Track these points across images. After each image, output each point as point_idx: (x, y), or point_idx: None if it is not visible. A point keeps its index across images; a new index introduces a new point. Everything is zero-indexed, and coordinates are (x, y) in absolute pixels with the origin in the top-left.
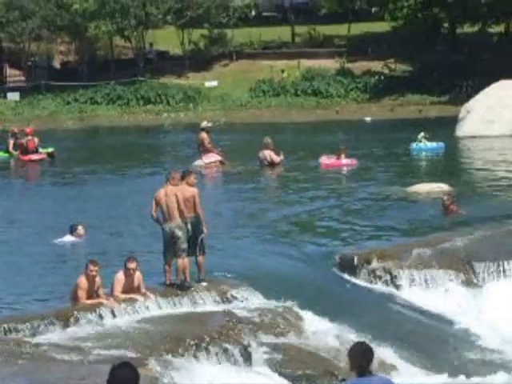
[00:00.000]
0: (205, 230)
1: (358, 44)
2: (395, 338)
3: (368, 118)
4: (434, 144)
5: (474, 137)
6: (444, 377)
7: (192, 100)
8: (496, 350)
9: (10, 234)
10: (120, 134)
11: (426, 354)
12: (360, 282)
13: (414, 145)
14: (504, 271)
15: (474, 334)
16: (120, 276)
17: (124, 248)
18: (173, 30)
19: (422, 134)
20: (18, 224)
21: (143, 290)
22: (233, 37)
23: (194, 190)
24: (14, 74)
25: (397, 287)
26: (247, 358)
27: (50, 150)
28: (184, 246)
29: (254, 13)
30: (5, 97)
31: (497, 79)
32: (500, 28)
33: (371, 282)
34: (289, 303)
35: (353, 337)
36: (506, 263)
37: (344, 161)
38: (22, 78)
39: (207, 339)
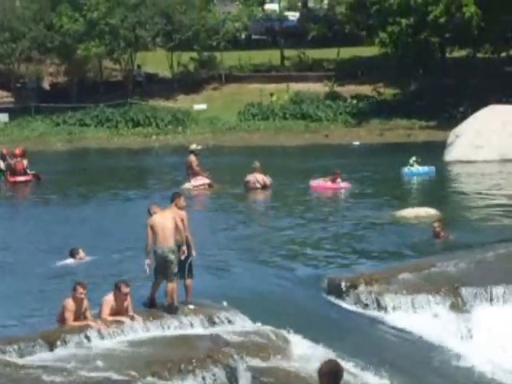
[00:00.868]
0: (193, 253)
1: (347, 68)
2: (382, 362)
3: (356, 142)
4: (425, 168)
5: (463, 161)
6: None
7: (181, 123)
8: (484, 376)
9: (3, 256)
10: (109, 156)
11: (412, 378)
12: (347, 306)
13: (405, 169)
14: (492, 296)
15: (461, 358)
16: (109, 298)
17: (120, 270)
18: (162, 53)
19: (414, 158)
20: (11, 246)
21: (131, 313)
22: (222, 60)
23: (183, 213)
24: (2, 96)
25: (384, 311)
26: (234, 381)
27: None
28: (176, 270)
29: (243, 36)
30: None
31: (485, 104)
32: (488, 52)
33: (358, 306)
34: (276, 326)
35: (339, 361)
36: (493, 288)
37: (342, 184)
38: (11, 100)
39: (194, 362)
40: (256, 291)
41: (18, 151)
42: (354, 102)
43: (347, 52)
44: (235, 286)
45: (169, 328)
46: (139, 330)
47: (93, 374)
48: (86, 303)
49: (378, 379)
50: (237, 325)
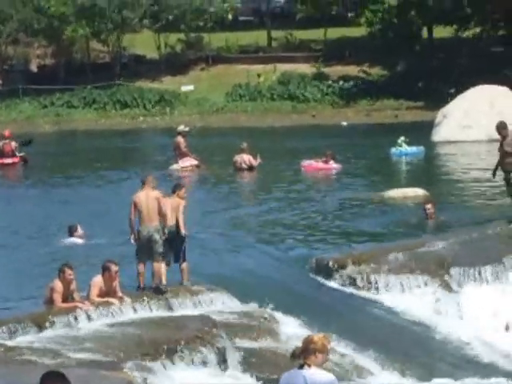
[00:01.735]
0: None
1: (334, 48)
2: (371, 342)
3: (344, 123)
4: (414, 148)
5: (451, 142)
6: (420, 381)
7: (168, 104)
8: (472, 354)
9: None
10: (97, 138)
11: (402, 358)
12: (336, 285)
13: (393, 149)
14: (480, 276)
15: (450, 338)
16: (98, 280)
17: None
18: (149, 34)
19: (402, 138)
20: (4, 227)
21: (119, 294)
22: (209, 41)
23: (183, 202)
24: None
25: (372, 291)
26: (223, 361)
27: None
28: (161, 249)
29: (230, 17)
30: None
31: (473, 84)
32: (475, 31)
33: (347, 286)
34: (264, 307)
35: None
36: (482, 268)
37: (333, 165)
38: None
39: (183, 343)
40: (244, 272)
41: (7, 133)
42: (342, 82)
43: (334, 33)
44: (223, 266)
45: (157, 309)
46: (127, 311)
47: (81, 356)
48: (73, 285)
49: (366, 358)
50: (225, 305)
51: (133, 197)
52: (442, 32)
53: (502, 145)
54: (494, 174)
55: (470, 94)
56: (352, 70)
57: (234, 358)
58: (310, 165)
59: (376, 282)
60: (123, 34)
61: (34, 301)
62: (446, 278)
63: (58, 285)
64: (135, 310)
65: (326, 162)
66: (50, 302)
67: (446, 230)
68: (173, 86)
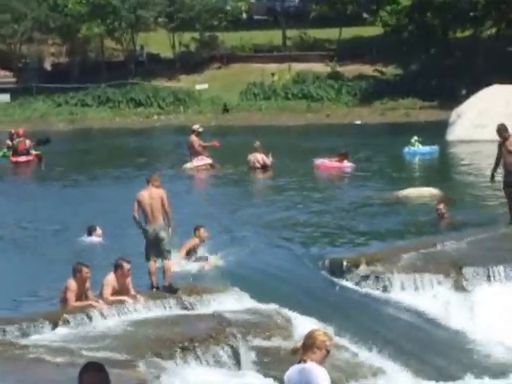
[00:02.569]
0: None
1: (348, 48)
2: (384, 342)
3: (358, 122)
4: (427, 148)
5: (465, 141)
6: (433, 381)
7: (183, 103)
8: (485, 354)
9: (15, 234)
10: (111, 136)
11: (414, 357)
12: (349, 285)
13: (407, 148)
14: (493, 276)
15: (463, 337)
16: (110, 278)
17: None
18: (164, 33)
19: (415, 137)
20: (21, 226)
21: (132, 292)
22: (224, 40)
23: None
24: (4, 76)
25: (385, 291)
26: (236, 360)
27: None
28: (168, 247)
29: (245, 16)
30: None
31: (488, 83)
32: (491, 32)
33: (360, 285)
34: (278, 306)
35: (341, 340)
36: (494, 268)
37: (348, 164)
38: (13, 80)
39: (196, 342)
40: (258, 270)
41: (21, 131)
42: (356, 81)
43: (349, 32)
44: (236, 265)
45: (170, 307)
46: (141, 309)
47: (94, 354)
48: (88, 283)
49: (379, 358)
50: (239, 304)
51: (136, 195)
52: (457, 32)
53: (504, 146)
54: (492, 178)
55: (484, 93)
56: (366, 69)
57: (247, 357)
58: (324, 163)
59: (389, 282)
60: (137, 32)
61: (51, 300)
62: (459, 277)
63: (72, 284)
64: (149, 309)
65: (340, 160)
66: (64, 300)
67: (459, 230)
68: (187, 85)
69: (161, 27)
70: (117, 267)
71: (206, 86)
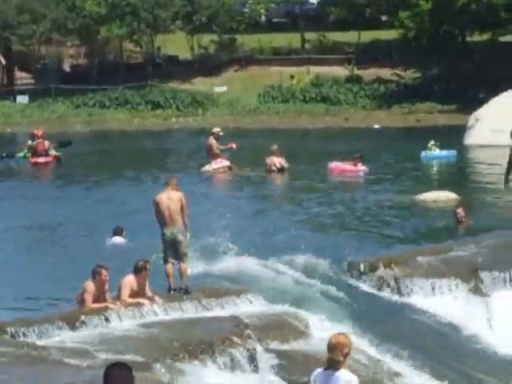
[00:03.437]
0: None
1: (367, 51)
2: (402, 345)
3: (377, 126)
4: (444, 152)
5: (483, 145)
6: None
7: (201, 105)
8: (503, 359)
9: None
10: (129, 138)
11: (433, 361)
12: (367, 288)
13: (423, 153)
14: (511, 280)
15: (482, 342)
16: (128, 280)
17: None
18: (182, 35)
19: (432, 142)
20: (44, 227)
21: (150, 294)
22: (243, 42)
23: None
24: (23, 77)
25: (403, 295)
26: (253, 363)
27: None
28: (187, 250)
29: (264, 19)
30: (14, 100)
31: (507, 88)
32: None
33: (378, 289)
34: (295, 308)
35: (359, 343)
36: None
37: (360, 167)
38: (32, 81)
39: (213, 345)
40: (274, 273)
41: (40, 132)
42: (375, 85)
43: (368, 35)
44: (254, 268)
45: (187, 310)
46: (158, 312)
47: (112, 356)
48: (106, 286)
49: (397, 361)
50: (256, 307)
51: (154, 197)
52: (477, 36)
53: None
54: (506, 182)
55: (503, 97)
56: (385, 72)
57: (264, 360)
58: (338, 166)
59: (407, 286)
60: (156, 34)
61: (71, 301)
62: (477, 282)
63: (90, 285)
64: (166, 311)
65: (355, 164)
66: (81, 302)
67: (477, 234)
68: (205, 87)
69: (179, 29)
70: (138, 269)
71: (224, 88)
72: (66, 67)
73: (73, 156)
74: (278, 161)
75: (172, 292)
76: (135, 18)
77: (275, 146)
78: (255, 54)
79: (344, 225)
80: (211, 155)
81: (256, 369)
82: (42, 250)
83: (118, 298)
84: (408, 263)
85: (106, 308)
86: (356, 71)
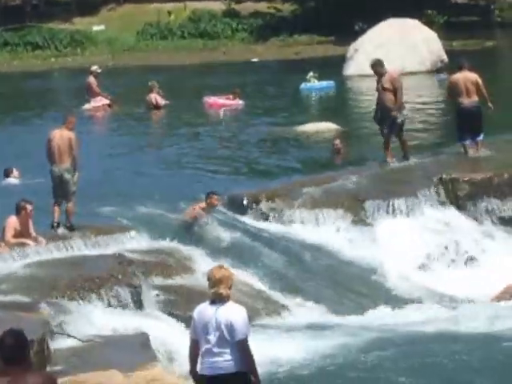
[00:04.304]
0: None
1: None
2: (286, 278)
3: (255, 59)
4: (323, 83)
5: (362, 75)
6: (339, 315)
7: (79, 44)
8: (388, 286)
9: None
10: (9, 79)
11: (315, 289)
12: (250, 221)
13: (303, 84)
14: (394, 209)
15: (366, 270)
16: (11, 221)
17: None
18: None
19: (311, 73)
20: None
21: (34, 234)
22: None
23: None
24: None
25: (286, 226)
26: (138, 300)
27: None
28: (73, 188)
29: None
30: None
31: (385, 18)
32: None
33: (261, 221)
34: (178, 244)
35: (244, 276)
36: (395, 201)
37: (237, 101)
38: None
39: (98, 282)
40: (154, 211)
41: None
42: (252, 19)
43: None
44: (133, 206)
45: (72, 249)
46: (43, 251)
47: None
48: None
49: (281, 294)
50: (138, 243)
51: (49, 133)
52: None
53: (380, 83)
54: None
55: (380, 27)
56: (262, 6)
57: (149, 296)
58: (215, 101)
59: (290, 217)
60: None
61: None
62: (360, 211)
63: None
64: (50, 251)
65: (232, 98)
66: (2, 237)
67: (358, 164)
68: (84, 27)
69: None
70: (20, 209)
71: (102, 27)
72: None
73: None
74: (153, 97)
75: (54, 229)
76: None
77: (154, 83)
78: None
79: (225, 158)
80: (91, 94)
81: (141, 305)
82: None
83: (1, 239)
84: (291, 195)
85: (23, 244)
86: (233, 5)
